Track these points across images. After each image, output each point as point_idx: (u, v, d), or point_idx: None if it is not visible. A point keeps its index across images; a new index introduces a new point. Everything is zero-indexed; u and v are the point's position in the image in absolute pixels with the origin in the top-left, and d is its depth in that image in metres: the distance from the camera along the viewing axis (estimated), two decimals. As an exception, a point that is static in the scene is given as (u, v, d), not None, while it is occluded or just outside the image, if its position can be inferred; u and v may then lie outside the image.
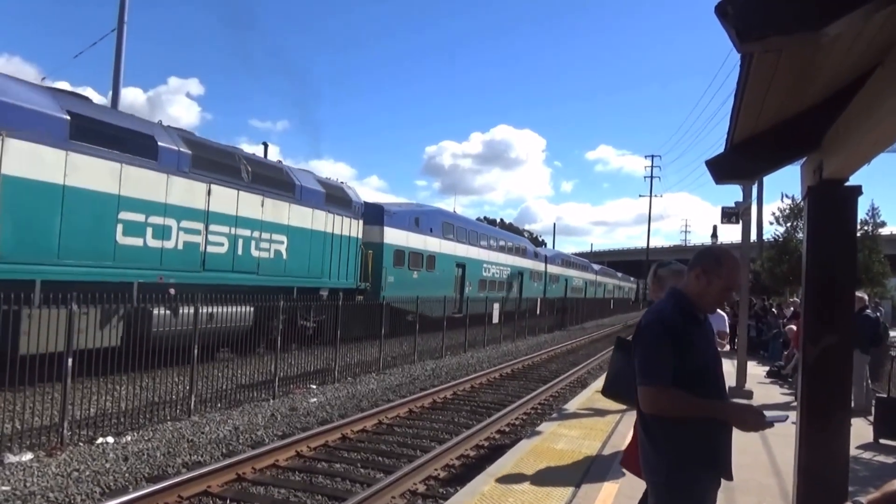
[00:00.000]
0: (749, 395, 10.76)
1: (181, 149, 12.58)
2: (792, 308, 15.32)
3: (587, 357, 19.99)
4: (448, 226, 25.25)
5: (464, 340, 20.15)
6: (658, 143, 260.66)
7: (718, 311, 6.19)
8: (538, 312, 31.27)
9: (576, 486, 5.55)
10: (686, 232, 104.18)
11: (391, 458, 7.68)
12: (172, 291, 11.60)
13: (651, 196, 67.92)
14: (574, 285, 46.61)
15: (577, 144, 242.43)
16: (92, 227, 10.72)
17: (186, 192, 12.54)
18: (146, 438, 7.81)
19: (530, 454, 6.68)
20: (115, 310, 9.76)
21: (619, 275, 70.00)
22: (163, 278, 11.95)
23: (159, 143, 12.09)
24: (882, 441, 7.75)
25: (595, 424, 8.22)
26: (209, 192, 13.05)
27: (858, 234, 29.48)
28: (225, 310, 11.04)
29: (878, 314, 12.77)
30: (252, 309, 11.90)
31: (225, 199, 13.50)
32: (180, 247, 12.43)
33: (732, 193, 14.23)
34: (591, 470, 6.12)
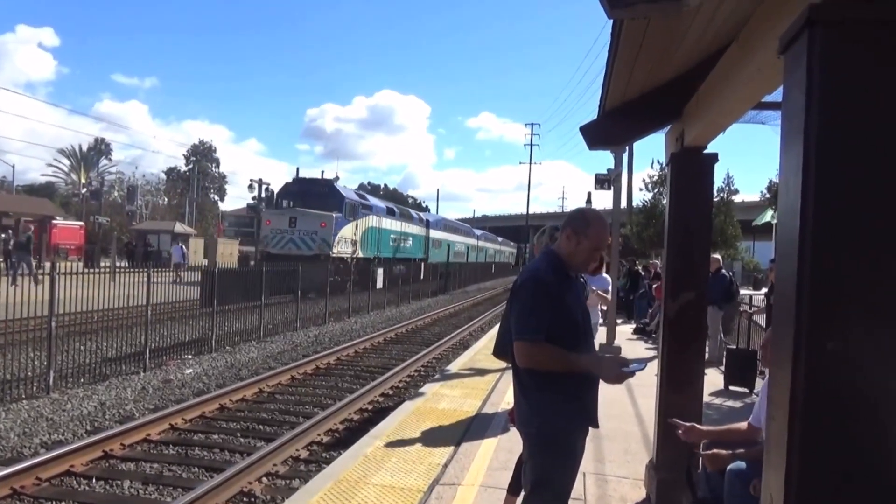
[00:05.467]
0: (617, 350, 11.47)
1: (413, 214, 38.13)
2: (655, 269, 16.40)
3: (469, 320, 20.52)
4: (443, 224, 46.49)
5: (347, 306, 20.04)
6: (538, 112, 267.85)
7: (604, 275, 6.58)
8: (421, 277, 31.65)
9: (456, 444, 5.71)
10: (563, 199, 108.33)
11: (272, 426, 7.55)
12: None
13: (531, 163, 70.15)
14: (489, 253, 63.51)
15: (461, 111, 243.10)
16: (387, 242, 31.62)
17: (405, 227, 34.78)
18: (-2, 419, 7.18)
19: (413, 415, 6.78)
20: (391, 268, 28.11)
21: (512, 243, 77.53)
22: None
23: (413, 214, 38.14)
24: (732, 388, 8.56)
25: (476, 384, 8.48)
26: (403, 226, 34.24)
27: (715, 200, 31.98)
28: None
29: (731, 274, 13.94)
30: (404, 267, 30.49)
31: (405, 227, 34.79)
32: (398, 245, 33.12)
33: (606, 162, 15.04)
34: (471, 427, 6.31)
